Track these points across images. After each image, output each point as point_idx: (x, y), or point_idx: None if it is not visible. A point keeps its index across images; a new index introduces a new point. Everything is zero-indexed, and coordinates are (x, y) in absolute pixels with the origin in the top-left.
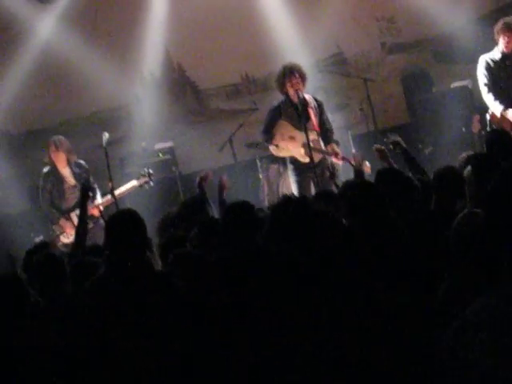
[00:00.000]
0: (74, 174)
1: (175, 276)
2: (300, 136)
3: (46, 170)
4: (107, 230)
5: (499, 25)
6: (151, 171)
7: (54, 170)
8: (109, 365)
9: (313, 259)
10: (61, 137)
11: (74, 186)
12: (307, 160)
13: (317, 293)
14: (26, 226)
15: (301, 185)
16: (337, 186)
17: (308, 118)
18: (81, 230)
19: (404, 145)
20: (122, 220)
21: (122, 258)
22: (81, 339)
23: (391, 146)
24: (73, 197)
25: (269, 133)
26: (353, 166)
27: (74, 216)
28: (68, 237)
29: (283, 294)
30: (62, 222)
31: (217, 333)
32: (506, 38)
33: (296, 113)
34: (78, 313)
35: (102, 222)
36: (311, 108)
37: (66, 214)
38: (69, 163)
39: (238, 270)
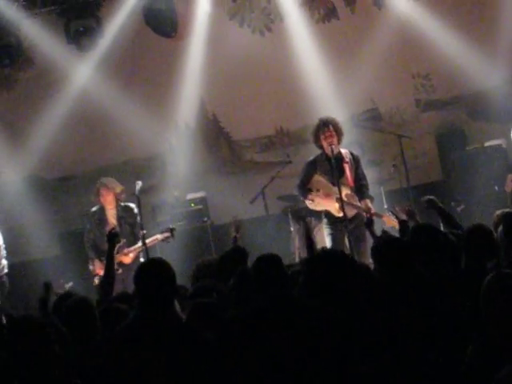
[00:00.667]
0: (118, 217)
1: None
2: (334, 190)
3: (93, 209)
4: (136, 278)
5: None
6: (174, 227)
7: (100, 211)
8: None
9: (348, 314)
10: (111, 178)
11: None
12: (342, 214)
13: (350, 347)
14: (55, 272)
15: (334, 238)
16: (372, 234)
17: (342, 172)
18: (106, 278)
19: (439, 203)
20: (151, 269)
21: (150, 307)
22: None
23: (425, 205)
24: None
25: (304, 187)
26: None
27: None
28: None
29: (316, 347)
30: (96, 263)
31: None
32: None
33: (330, 167)
34: (106, 360)
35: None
36: (346, 163)
37: (103, 256)
38: (117, 205)
39: (266, 322)
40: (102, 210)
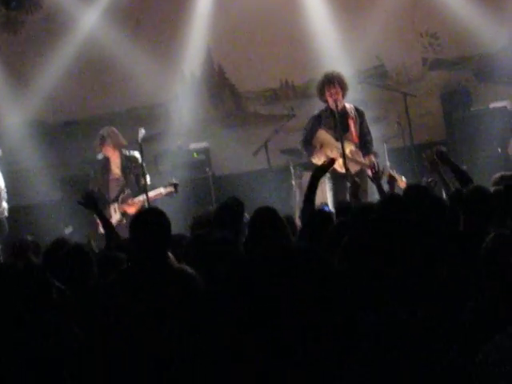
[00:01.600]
0: (123, 167)
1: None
2: (338, 146)
3: (98, 157)
4: (131, 227)
5: None
6: (177, 182)
7: (105, 160)
8: (124, 354)
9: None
10: (113, 128)
11: (118, 179)
12: (344, 170)
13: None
14: (55, 217)
15: (336, 193)
16: (380, 188)
17: (347, 128)
18: (106, 234)
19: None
20: (146, 218)
21: (144, 256)
22: (100, 329)
23: (435, 156)
24: (116, 189)
25: (308, 142)
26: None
27: (113, 209)
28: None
29: (317, 292)
30: None
31: (233, 329)
32: None
33: (334, 122)
34: (99, 304)
35: None
36: (351, 118)
37: (107, 204)
38: (121, 155)
39: (265, 269)
40: (106, 159)
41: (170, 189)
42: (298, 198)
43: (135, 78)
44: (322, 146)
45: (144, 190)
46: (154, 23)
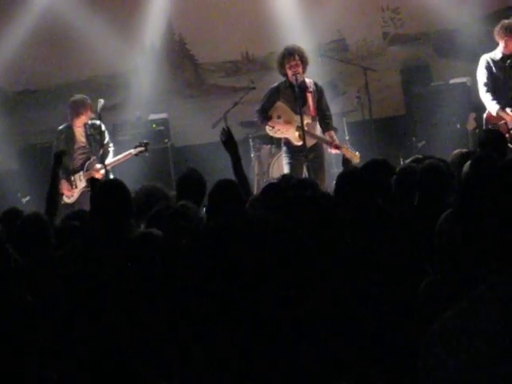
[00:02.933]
0: (86, 135)
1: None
2: (296, 119)
3: (60, 127)
4: (92, 199)
5: (497, 27)
6: (148, 142)
7: (68, 129)
8: (82, 328)
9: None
10: (84, 97)
11: (84, 147)
12: (301, 143)
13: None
14: (13, 186)
15: (293, 167)
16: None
17: (305, 101)
18: (50, 196)
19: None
20: (107, 189)
21: (105, 226)
22: (57, 301)
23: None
24: (80, 158)
25: (264, 113)
26: (344, 155)
27: (78, 178)
28: (69, 197)
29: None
30: (63, 183)
31: (198, 299)
32: (504, 41)
33: (293, 95)
34: (57, 275)
35: None
36: (310, 92)
37: (69, 174)
38: (85, 123)
39: (224, 237)
40: (69, 128)
41: (140, 149)
42: (256, 171)
43: (95, 47)
44: (279, 117)
45: (102, 155)
46: None
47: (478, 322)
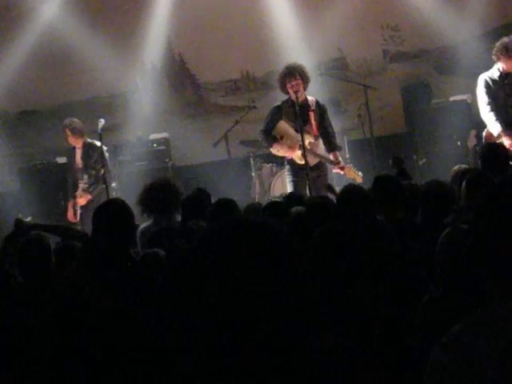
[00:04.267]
0: (83, 155)
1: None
2: (298, 138)
3: (67, 148)
4: (94, 219)
5: (497, 45)
6: None
7: (70, 151)
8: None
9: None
10: (75, 120)
11: (81, 169)
12: (303, 162)
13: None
14: (14, 207)
15: (295, 185)
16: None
17: (307, 120)
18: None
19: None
20: (108, 209)
21: (107, 246)
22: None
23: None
24: (78, 179)
25: (268, 132)
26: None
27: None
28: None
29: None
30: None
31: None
32: (504, 60)
33: (295, 113)
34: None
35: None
36: (312, 111)
37: (71, 196)
38: (84, 145)
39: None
40: (72, 149)
41: None
42: (257, 190)
43: (95, 67)
44: (282, 137)
45: (103, 176)
46: (114, 13)
47: (487, 338)
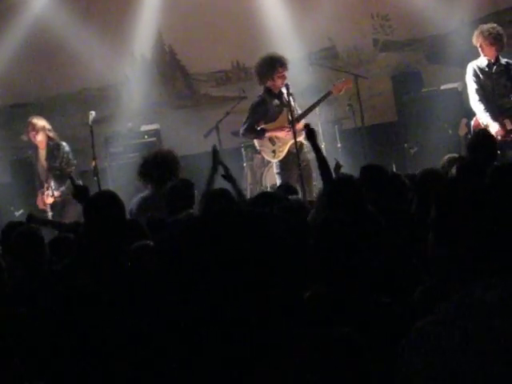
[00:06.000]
0: (48, 157)
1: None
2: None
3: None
4: (85, 210)
5: (475, 32)
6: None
7: (35, 151)
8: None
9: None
10: (39, 117)
11: (47, 169)
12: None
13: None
14: (5, 199)
15: (283, 177)
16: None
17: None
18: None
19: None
20: (99, 202)
21: (98, 238)
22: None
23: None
24: (43, 179)
25: (253, 128)
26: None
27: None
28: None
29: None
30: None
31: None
32: (480, 46)
33: (280, 101)
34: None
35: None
36: (291, 94)
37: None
38: (48, 144)
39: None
40: (36, 149)
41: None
42: (249, 180)
43: (85, 60)
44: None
45: (95, 169)
46: (103, 5)
47: (453, 330)
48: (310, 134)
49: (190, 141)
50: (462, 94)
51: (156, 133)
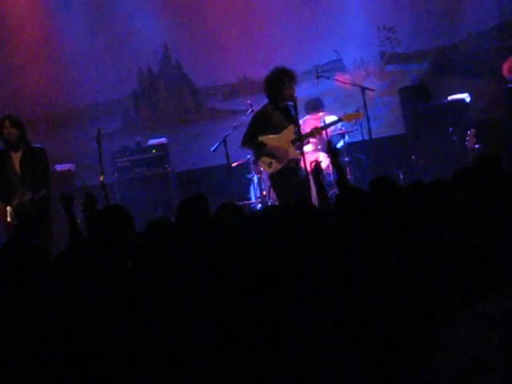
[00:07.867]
0: (22, 161)
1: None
2: (286, 136)
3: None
4: (94, 225)
5: None
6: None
7: (4, 153)
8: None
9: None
10: (16, 116)
11: (18, 181)
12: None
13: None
14: None
15: (284, 191)
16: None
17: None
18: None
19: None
20: (109, 215)
21: (107, 253)
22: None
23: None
24: (15, 186)
25: (253, 139)
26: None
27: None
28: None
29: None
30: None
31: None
32: None
33: (284, 115)
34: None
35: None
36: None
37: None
38: (23, 147)
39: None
40: (6, 152)
41: None
42: (257, 194)
43: (93, 74)
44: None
45: (102, 184)
46: (110, 20)
47: (478, 337)
48: (316, 171)
49: (198, 155)
50: (470, 105)
51: (163, 147)
